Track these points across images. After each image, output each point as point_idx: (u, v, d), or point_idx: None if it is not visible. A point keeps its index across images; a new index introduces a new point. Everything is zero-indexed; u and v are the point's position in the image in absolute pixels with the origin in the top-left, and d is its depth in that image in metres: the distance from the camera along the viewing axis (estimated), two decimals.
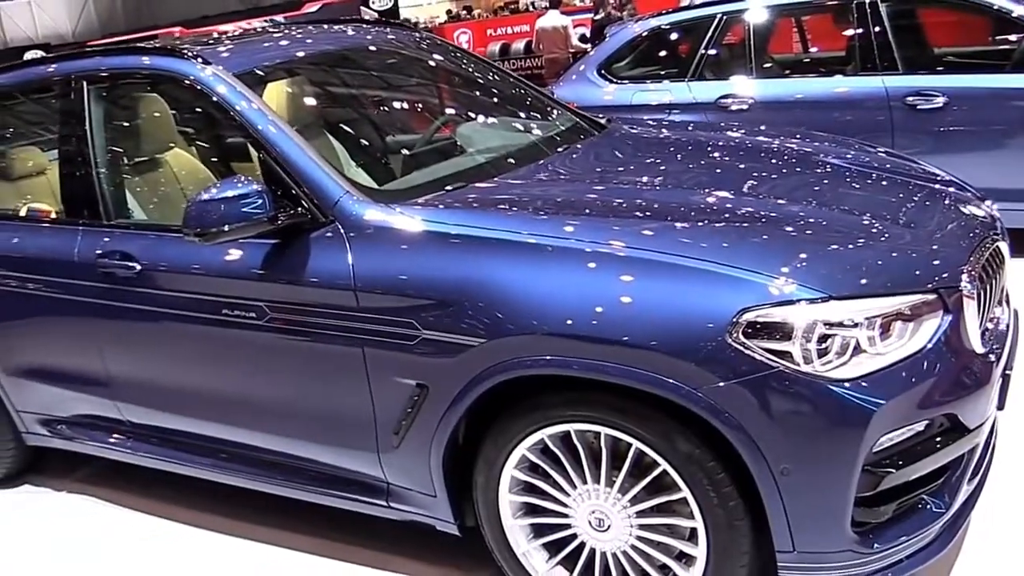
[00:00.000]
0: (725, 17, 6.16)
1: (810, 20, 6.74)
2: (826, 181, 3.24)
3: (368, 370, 2.83)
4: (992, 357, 2.64)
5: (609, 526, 2.66)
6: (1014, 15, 5.40)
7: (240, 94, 3.17)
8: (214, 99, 3.20)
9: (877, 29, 5.62)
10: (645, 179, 3.27)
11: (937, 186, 3.20)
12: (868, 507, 2.43)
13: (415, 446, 2.82)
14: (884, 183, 3.22)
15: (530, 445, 2.68)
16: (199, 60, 3.29)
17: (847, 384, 2.33)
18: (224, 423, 3.36)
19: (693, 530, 2.54)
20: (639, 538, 2.64)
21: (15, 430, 4.04)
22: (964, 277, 2.58)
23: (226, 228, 2.84)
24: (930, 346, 2.45)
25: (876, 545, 2.42)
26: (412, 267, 2.74)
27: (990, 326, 2.76)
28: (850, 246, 2.61)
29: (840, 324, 2.36)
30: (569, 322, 2.48)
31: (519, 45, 17.71)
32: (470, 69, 4.29)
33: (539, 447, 2.69)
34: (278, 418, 3.18)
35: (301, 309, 2.93)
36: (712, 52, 6.17)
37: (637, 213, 2.82)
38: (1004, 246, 2.94)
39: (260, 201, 2.83)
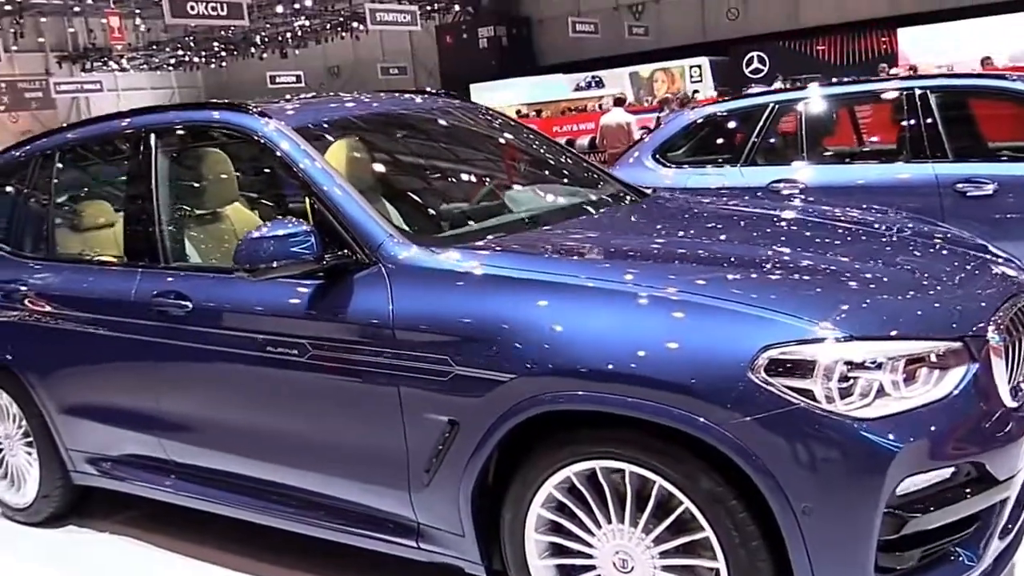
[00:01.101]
0: (778, 106, 6.27)
1: (861, 109, 6.82)
2: (851, 239, 3.29)
3: (402, 407, 2.90)
4: None
5: (633, 567, 2.65)
6: None
7: (294, 144, 3.33)
8: (271, 149, 3.37)
9: (927, 119, 5.68)
10: (682, 233, 3.37)
11: (967, 247, 3.23)
12: (893, 552, 2.41)
13: (445, 484, 2.86)
14: (911, 242, 3.26)
15: (557, 483, 2.71)
16: (261, 115, 3.47)
17: (869, 424, 2.35)
18: (263, 461, 3.42)
19: (716, 572, 2.52)
20: None
21: (64, 469, 4.13)
22: (991, 328, 2.59)
23: (275, 264, 2.97)
24: (956, 393, 2.46)
25: None
26: (447, 305, 2.84)
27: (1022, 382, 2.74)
28: (874, 292, 2.66)
29: (862, 365, 2.39)
30: (593, 358, 2.54)
31: (583, 141, 18.16)
32: (523, 139, 4.45)
33: (566, 486, 2.71)
34: (314, 456, 3.24)
35: (340, 346, 3.01)
36: (765, 139, 6.28)
37: (668, 259, 2.93)
38: None
39: (308, 241, 2.96)
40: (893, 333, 2.47)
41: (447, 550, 2.98)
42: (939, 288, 2.76)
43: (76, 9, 25.83)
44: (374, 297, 2.95)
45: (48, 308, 4.03)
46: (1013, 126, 6.12)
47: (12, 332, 4.15)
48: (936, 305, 2.66)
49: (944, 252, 3.16)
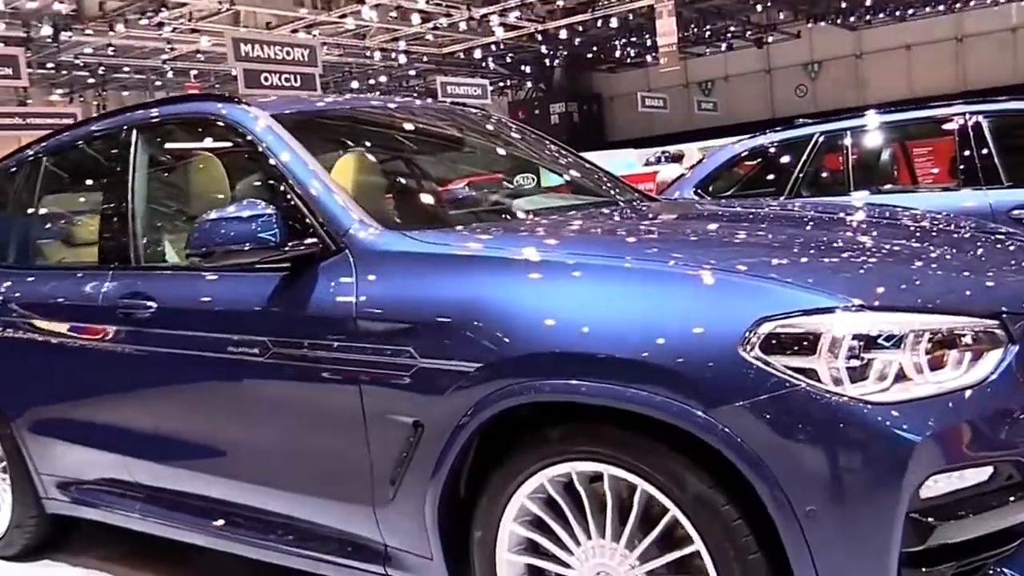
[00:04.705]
0: (823, 136, 5.87)
1: (910, 137, 6.40)
2: (874, 224, 2.92)
3: (364, 408, 2.53)
4: None
5: None
6: None
7: (268, 128, 3.02)
8: (245, 135, 3.07)
9: (980, 146, 5.23)
10: (687, 223, 3.01)
11: (1013, 236, 2.81)
12: (919, 566, 1.95)
13: (411, 498, 2.47)
14: (944, 228, 2.85)
15: (530, 492, 2.31)
16: (237, 103, 3.20)
17: (885, 409, 1.93)
18: (227, 479, 3.04)
19: None
20: None
21: (36, 496, 3.73)
22: None
23: (233, 248, 2.65)
24: (994, 378, 2.02)
25: None
26: (409, 289, 2.50)
27: None
28: (893, 263, 2.26)
29: (877, 341, 1.97)
30: (562, 339, 2.18)
31: None
32: (523, 139, 4.14)
33: (541, 496, 2.32)
34: (278, 470, 2.87)
35: (301, 342, 2.66)
36: (810, 171, 5.88)
37: (656, 238, 2.56)
38: None
39: (270, 224, 2.63)
40: (915, 304, 2.06)
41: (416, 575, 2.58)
42: (972, 263, 2.36)
43: (158, 83, 26.60)
44: (338, 286, 2.60)
45: (15, 318, 3.72)
46: None
47: None
48: (968, 278, 2.26)
49: (980, 235, 2.77)
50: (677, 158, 13.48)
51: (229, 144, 3.23)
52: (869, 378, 1.95)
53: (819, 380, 1.94)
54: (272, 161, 2.93)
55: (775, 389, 1.94)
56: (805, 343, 1.96)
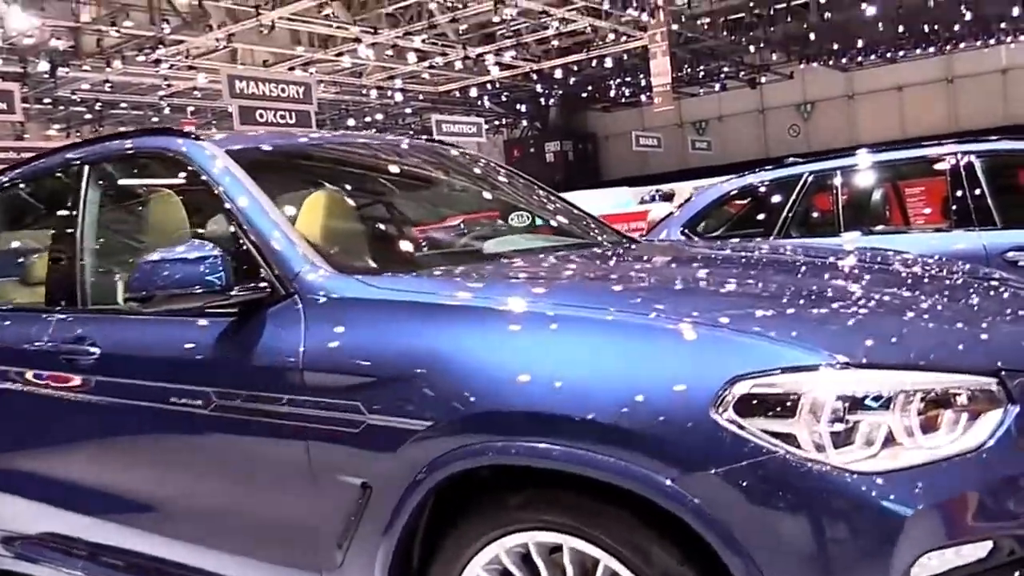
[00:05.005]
0: (813, 176, 5.69)
1: (901, 177, 6.23)
2: (863, 270, 2.72)
3: (311, 467, 2.31)
4: None
5: None
6: None
7: (220, 164, 2.81)
8: (196, 171, 2.86)
9: (973, 187, 5.04)
10: (665, 267, 2.81)
11: (1007, 282, 2.61)
12: None
13: (360, 563, 2.25)
14: (938, 275, 2.65)
15: (485, 563, 2.09)
16: (190, 137, 3.01)
17: (872, 478, 1.73)
18: (172, 539, 2.80)
19: None
20: None
21: None
22: None
23: (175, 292, 2.43)
24: (991, 444, 1.82)
25: None
26: (359, 338, 2.29)
27: None
28: (883, 314, 2.05)
29: (864, 402, 1.77)
30: (521, 397, 1.97)
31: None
32: (496, 177, 3.93)
33: (496, 568, 2.10)
34: (222, 532, 2.65)
35: (246, 394, 2.44)
36: (800, 210, 5.69)
37: (630, 286, 2.36)
38: None
39: (215, 266, 2.41)
40: (906, 361, 1.86)
41: None
42: (967, 314, 2.16)
43: (155, 119, 26.50)
44: (286, 333, 2.39)
45: None
46: None
47: None
48: (963, 331, 2.06)
49: (974, 282, 2.57)
50: (668, 196, 13.36)
51: (180, 180, 3.02)
52: (855, 443, 1.76)
53: (799, 446, 1.74)
54: (222, 198, 2.73)
55: (751, 456, 1.74)
56: (784, 405, 1.76)
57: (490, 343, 2.09)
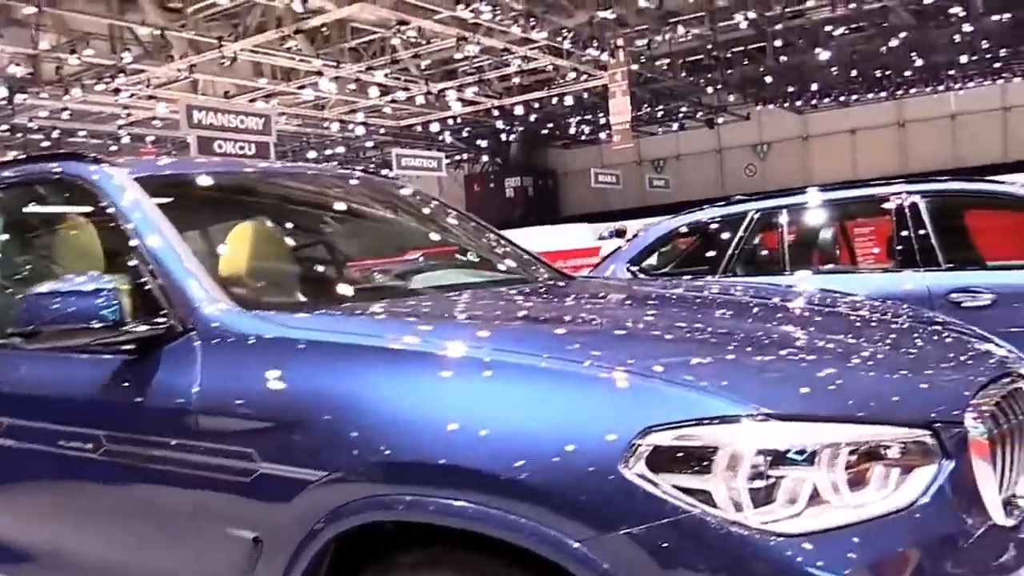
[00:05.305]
0: (759, 214, 5.59)
1: (847, 216, 6.15)
2: (820, 316, 2.59)
3: (202, 519, 2.13)
4: None
5: None
6: None
7: (124, 191, 2.63)
8: (97, 197, 2.67)
9: (917, 227, 4.96)
10: (591, 307, 2.64)
11: (950, 327, 2.47)
12: None
13: None
14: (885, 318, 2.51)
15: None
16: (97, 163, 2.81)
17: (795, 541, 1.57)
18: None
19: None
20: None
21: None
22: (970, 414, 1.81)
23: (64, 328, 2.24)
24: (923, 501, 1.68)
25: None
26: (256, 380, 2.11)
27: (1019, 497, 1.94)
28: (808, 362, 1.90)
29: (786, 456, 1.61)
30: (424, 448, 1.81)
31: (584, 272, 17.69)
32: (426, 210, 3.74)
33: None
34: None
35: (136, 438, 2.26)
36: (745, 249, 5.58)
37: (546, 325, 2.22)
38: None
39: (109, 300, 2.23)
40: (835, 412, 1.72)
41: None
42: (904, 361, 2.03)
43: (114, 148, 26.00)
44: (180, 373, 2.21)
45: None
46: (1009, 231, 5.39)
47: None
48: (899, 382, 1.94)
49: (918, 326, 2.43)
50: (621, 233, 13.28)
51: (83, 208, 2.83)
52: (776, 501, 1.61)
53: (716, 505, 1.58)
54: (124, 227, 2.54)
55: (663, 516, 1.59)
56: (700, 459, 1.60)
57: (397, 387, 1.93)
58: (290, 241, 3.13)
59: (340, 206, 3.56)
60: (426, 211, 3.72)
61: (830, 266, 5.63)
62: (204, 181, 3.10)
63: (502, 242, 3.65)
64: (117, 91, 20.67)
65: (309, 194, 3.46)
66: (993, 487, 1.81)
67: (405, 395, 1.89)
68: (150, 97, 21.44)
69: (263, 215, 3.03)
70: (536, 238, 29.49)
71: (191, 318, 2.27)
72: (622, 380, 1.75)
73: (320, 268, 3.15)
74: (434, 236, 3.72)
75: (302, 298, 2.70)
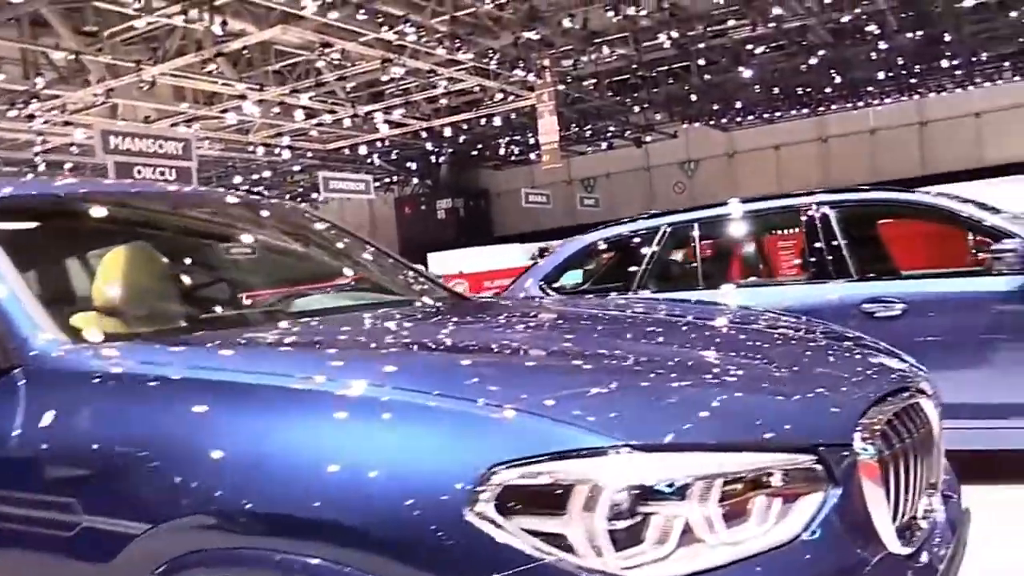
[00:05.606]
0: (670, 228, 5.45)
1: (758, 230, 6.04)
2: (702, 334, 2.38)
3: None
4: (924, 560, 1.67)
5: None
6: (987, 224, 4.61)
7: None
8: None
9: (829, 238, 4.86)
10: (464, 330, 2.43)
11: (844, 341, 2.31)
12: None
13: None
14: (795, 338, 2.34)
15: None
16: None
17: None
18: None
19: None
20: None
21: None
22: (858, 435, 1.64)
23: None
24: (808, 534, 1.50)
25: None
26: (81, 422, 1.87)
27: (920, 519, 1.78)
28: (678, 385, 1.71)
29: (652, 491, 1.42)
30: (263, 495, 1.58)
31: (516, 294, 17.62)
32: (308, 230, 3.51)
33: None
34: None
35: None
36: (657, 264, 5.43)
37: (413, 352, 2.03)
38: (931, 408, 1.99)
39: None
40: (705, 440, 1.52)
41: None
42: (789, 383, 1.85)
43: (30, 176, 25.20)
44: (2, 415, 1.95)
45: None
46: (923, 240, 5.34)
47: None
48: (780, 403, 1.74)
49: (828, 347, 2.27)
50: (544, 252, 13.15)
51: None
52: (644, 543, 1.41)
53: (573, 552, 1.38)
54: None
55: (514, 565, 1.38)
56: (554, 498, 1.40)
57: (225, 427, 1.69)
58: (144, 266, 2.85)
59: (219, 229, 3.31)
60: (313, 231, 3.49)
61: (743, 280, 5.52)
62: (48, 205, 2.81)
63: (397, 263, 3.43)
64: (31, 117, 20.03)
65: (173, 216, 3.18)
66: (886, 513, 1.65)
67: (232, 435, 1.67)
68: (66, 123, 20.85)
69: (115, 241, 2.75)
70: (468, 259, 29.41)
71: (16, 353, 2.02)
72: (469, 412, 1.53)
73: (177, 294, 2.86)
74: (316, 256, 3.47)
75: (152, 327, 2.44)
